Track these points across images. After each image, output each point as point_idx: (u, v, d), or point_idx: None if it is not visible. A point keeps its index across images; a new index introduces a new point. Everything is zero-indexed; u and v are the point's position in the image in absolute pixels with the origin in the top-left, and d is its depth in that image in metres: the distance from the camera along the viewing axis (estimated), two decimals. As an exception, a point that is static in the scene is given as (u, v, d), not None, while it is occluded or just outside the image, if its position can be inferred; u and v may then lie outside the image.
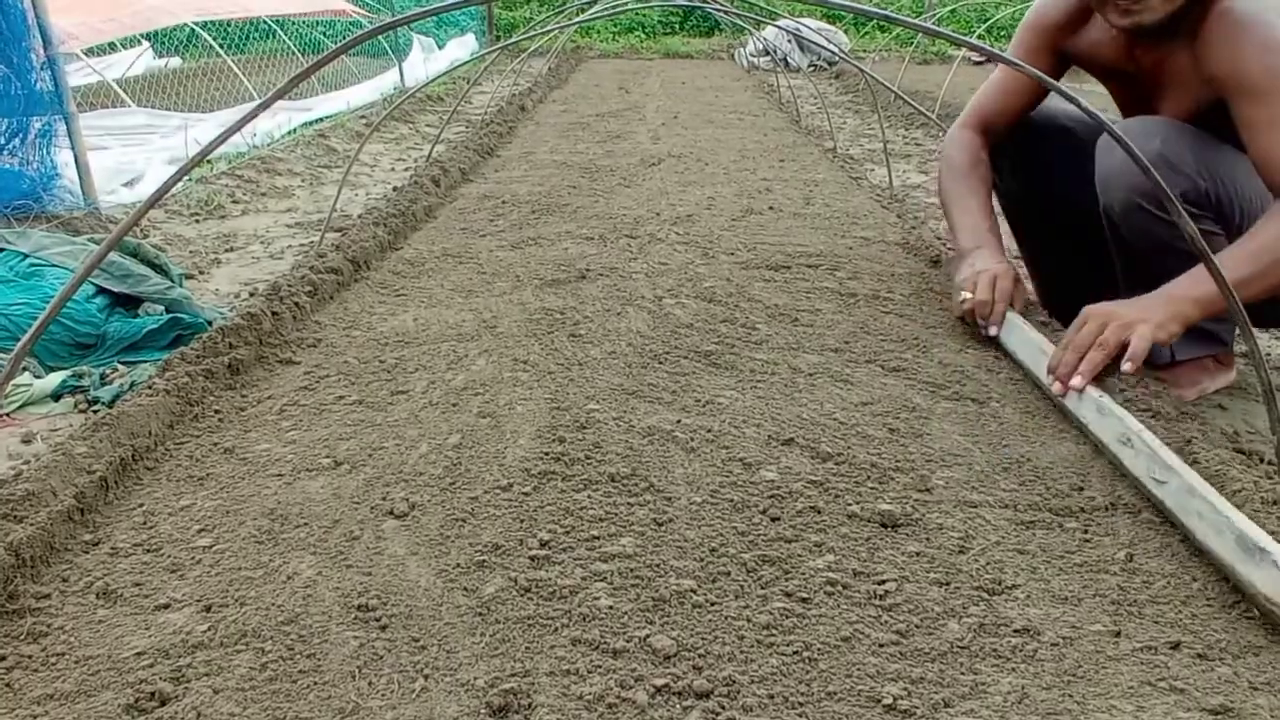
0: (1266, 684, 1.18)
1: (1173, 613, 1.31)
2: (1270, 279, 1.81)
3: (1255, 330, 2.00)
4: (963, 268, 2.29)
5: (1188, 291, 1.86)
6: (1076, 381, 1.82)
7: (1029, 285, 2.41)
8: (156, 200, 1.47)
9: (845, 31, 11.53)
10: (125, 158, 4.62)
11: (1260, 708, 1.13)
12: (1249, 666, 1.21)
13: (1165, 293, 1.88)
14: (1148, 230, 2.00)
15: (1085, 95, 1.54)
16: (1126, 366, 1.79)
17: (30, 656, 1.22)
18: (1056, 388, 1.87)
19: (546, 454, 1.70)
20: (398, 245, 3.14)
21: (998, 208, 2.49)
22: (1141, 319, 1.83)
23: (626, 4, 5.53)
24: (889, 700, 1.14)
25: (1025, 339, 2.08)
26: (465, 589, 1.34)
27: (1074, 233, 2.33)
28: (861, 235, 3.24)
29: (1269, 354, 2.43)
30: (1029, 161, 2.39)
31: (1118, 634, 1.26)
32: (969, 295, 2.21)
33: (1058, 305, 2.46)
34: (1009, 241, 2.51)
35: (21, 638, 1.26)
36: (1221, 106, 1.95)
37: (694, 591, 1.33)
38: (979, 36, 9.01)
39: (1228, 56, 1.90)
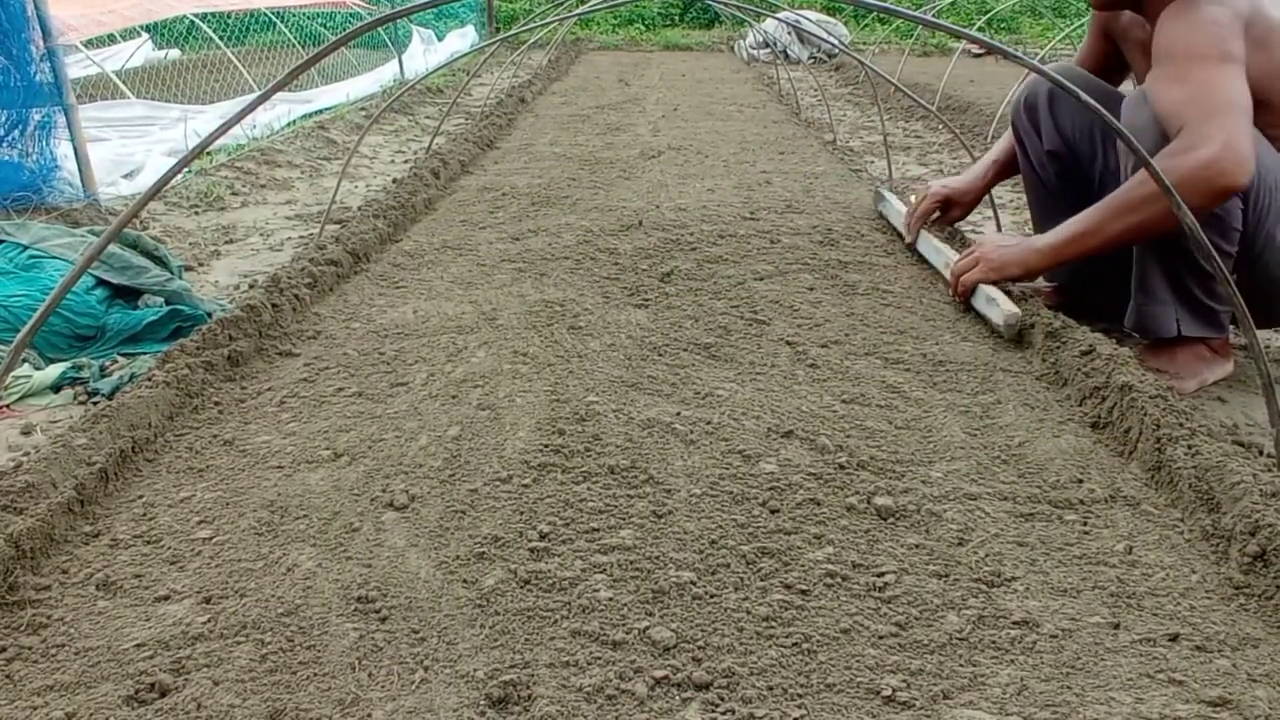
0: (1265, 676, 1.18)
1: (1171, 605, 1.31)
2: (1127, 225, 2.05)
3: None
4: None
5: (1045, 240, 2.23)
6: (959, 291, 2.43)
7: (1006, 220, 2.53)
8: (156, 192, 1.46)
9: (845, 24, 11.50)
10: (125, 150, 4.61)
11: (1259, 699, 1.13)
12: (1247, 659, 1.21)
13: (1027, 244, 2.28)
14: None
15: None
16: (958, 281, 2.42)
17: (30, 648, 1.22)
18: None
19: (546, 446, 1.69)
20: (397, 237, 3.14)
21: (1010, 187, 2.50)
22: (988, 259, 2.33)
23: (626, -4, 5.50)
24: (888, 692, 1.14)
25: (931, 247, 2.77)
26: (465, 581, 1.34)
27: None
28: (864, 230, 3.24)
29: (1268, 347, 2.43)
30: (1066, 119, 2.42)
31: (1116, 626, 1.26)
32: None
33: (1064, 280, 2.49)
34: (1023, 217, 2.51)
35: (21, 629, 1.26)
36: None
37: (693, 583, 1.33)
38: (978, 29, 8.99)
39: (1159, 31, 2.06)
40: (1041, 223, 2.62)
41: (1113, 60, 2.47)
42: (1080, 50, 2.58)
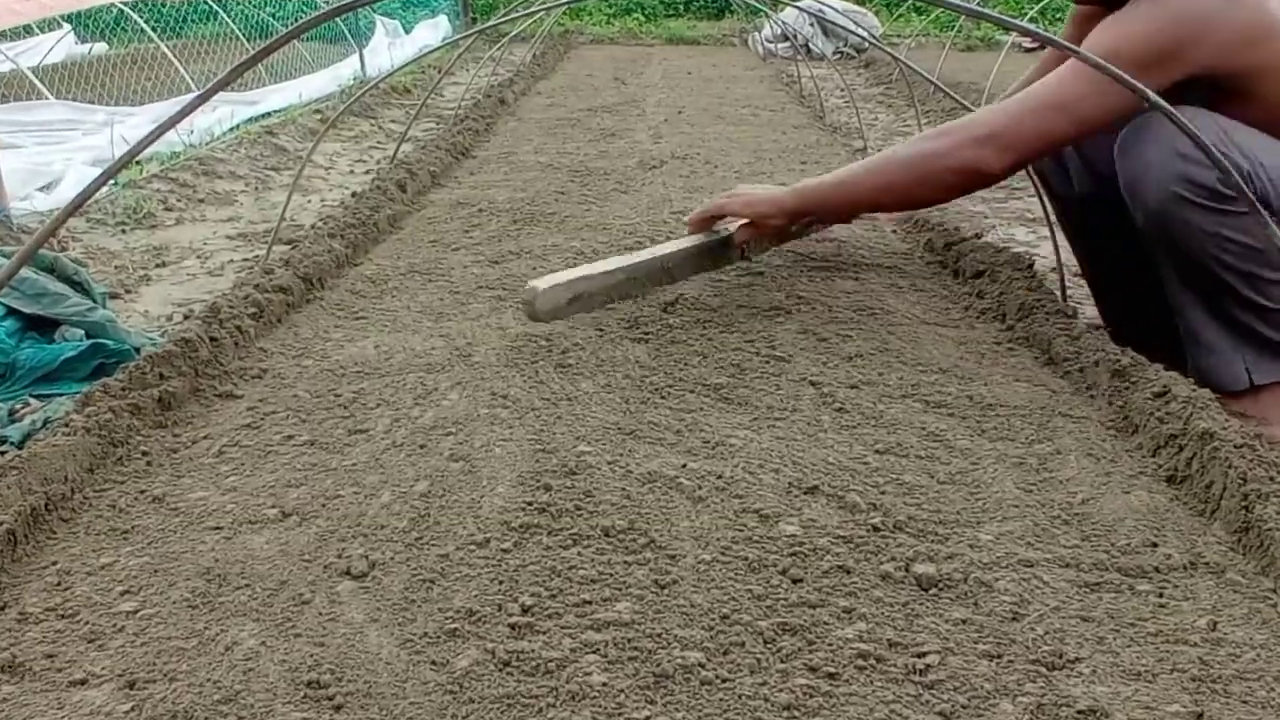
0: (1374, 775, 1.17)
1: (1264, 691, 1.30)
2: (879, 182, 2.40)
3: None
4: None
5: (801, 185, 2.59)
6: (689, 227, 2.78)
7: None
8: (77, 207, 1.47)
9: (876, 13, 11.62)
10: (42, 158, 4.63)
11: (1368, 803, 1.12)
12: (1354, 754, 1.20)
13: (787, 188, 2.63)
14: (1190, 224, 2.08)
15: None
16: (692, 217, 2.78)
17: (-78, 742, 1.21)
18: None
19: (530, 504, 1.69)
20: (357, 260, 3.15)
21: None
22: (741, 197, 2.69)
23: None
24: (931, 794, 1.13)
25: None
26: (434, 662, 1.33)
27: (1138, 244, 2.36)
28: (899, 249, 3.25)
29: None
30: (1102, 160, 2.43)
31: (1200, 716, 1.25)
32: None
33: (1121, 326, 2.49)
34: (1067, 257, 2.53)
35: (-88, 719, 1.25)
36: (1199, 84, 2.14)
37: (702, 665, 1.32)
38: (1030, 19, 9.07)
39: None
40: (1102, 295, 2.64)
41: None
42: (1044, 69, 2.57)
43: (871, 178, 2.39)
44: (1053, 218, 2.74)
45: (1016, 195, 4.41)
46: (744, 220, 2.73)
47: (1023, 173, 2.66)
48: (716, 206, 2.68)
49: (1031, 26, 1.91)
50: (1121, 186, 2.21)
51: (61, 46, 9.31)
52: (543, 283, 2.33)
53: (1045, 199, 2.75)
